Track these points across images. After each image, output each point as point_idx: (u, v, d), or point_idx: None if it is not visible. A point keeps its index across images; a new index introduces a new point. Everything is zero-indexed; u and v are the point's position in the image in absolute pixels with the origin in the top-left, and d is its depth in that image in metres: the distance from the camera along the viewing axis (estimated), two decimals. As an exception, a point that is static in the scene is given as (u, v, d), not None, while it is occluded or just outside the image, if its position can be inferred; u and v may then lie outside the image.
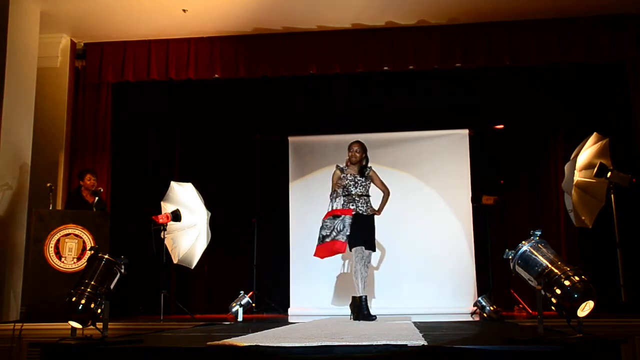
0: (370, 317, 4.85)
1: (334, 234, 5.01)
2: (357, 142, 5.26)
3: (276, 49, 6.61)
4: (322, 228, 5.05)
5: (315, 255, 5.11)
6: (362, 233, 5.05)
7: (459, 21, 6.38)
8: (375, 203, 5.22)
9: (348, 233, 4.95)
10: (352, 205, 5.07)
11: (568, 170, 5.90)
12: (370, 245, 5.13)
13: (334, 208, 5.09)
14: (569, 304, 2.46)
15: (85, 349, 2.63)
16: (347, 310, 6.28)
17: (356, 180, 5.14)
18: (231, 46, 6.65)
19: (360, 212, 5.06)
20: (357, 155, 5.19)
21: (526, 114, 7.08)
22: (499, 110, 7.08)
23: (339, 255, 6.77)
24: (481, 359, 2.36)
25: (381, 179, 5.31)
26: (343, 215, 5.03)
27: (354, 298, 5.03)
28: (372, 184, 5.25)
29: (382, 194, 5.29)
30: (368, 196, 5.18)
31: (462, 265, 6.65)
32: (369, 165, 5.27)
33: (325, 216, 5.10)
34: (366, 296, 5.04)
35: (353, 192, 5.10)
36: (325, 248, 5.03)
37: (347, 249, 5.00)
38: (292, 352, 2.40)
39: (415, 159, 6.97)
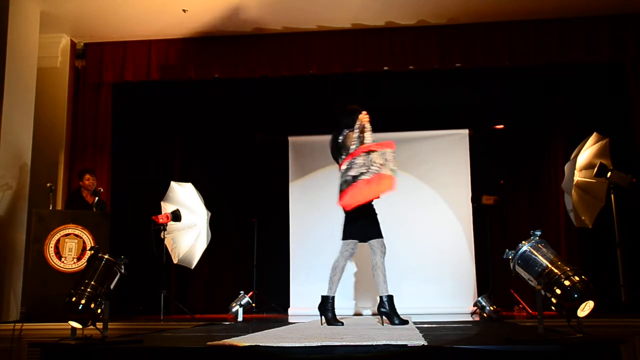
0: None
1: (375, 168, 3.93)
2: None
3: (276, 49, 6.61)
4: (348, 169, 4.01)
5: (344, 202, 4.01)
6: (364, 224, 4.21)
7: (459, 21, 6.37)
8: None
9: (393, 167, 3.94)
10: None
11: (568, 170, 5.90)
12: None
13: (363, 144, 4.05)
14: (569, 304, 2.46)
15: (85, 349, 2.63)
16: (346, 311, 6.31)
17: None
18: (231, 46, 6.65)
19: None
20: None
21: (526, 114, 7.08)
22: (499, 110, 7.08)
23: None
24: (481, 359, 2.36)
25: None
26: (385, 149, 4.01)
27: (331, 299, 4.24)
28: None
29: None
30: None
31: (462, 265, 6.65)
32: None
33: (350, 156, 4.05)
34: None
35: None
36: (362, 187, 3.92)
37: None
38: (292, 352, 2.40)
39: (415, 159, 6.97)
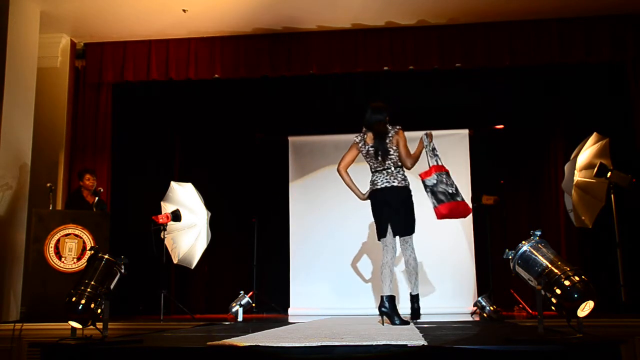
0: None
1: (462, 194, 4.33)
2: None
3: (276, 49, 6.61)
4: (440, 183, 4.29)
5: (442, 212, 4.32)
6: None
7: (459, 21, 6.38)
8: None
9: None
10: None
11: (568, 170, 5.90)
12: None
13: (438, 164, 4.38)
14: (569, 304, 2.46)
15: (85, 349, 2.63)
16: (347, 310, 6.29)
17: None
18: (231, 46, 6.65)
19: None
20: None
21: (526, 114, 7.08)
22: (499, 110, 7.08)
23: (341, 254, 6.78)
24: (481, 359, 2.36)
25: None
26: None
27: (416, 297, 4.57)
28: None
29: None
30: None
31: (462, 265, 6.65)
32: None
33: (435, 169, 4.34)
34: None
35: None
36: (456, 207, 4.29)
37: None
38: (292, 352, 2.40)
39: (415, 159, 6.96)
